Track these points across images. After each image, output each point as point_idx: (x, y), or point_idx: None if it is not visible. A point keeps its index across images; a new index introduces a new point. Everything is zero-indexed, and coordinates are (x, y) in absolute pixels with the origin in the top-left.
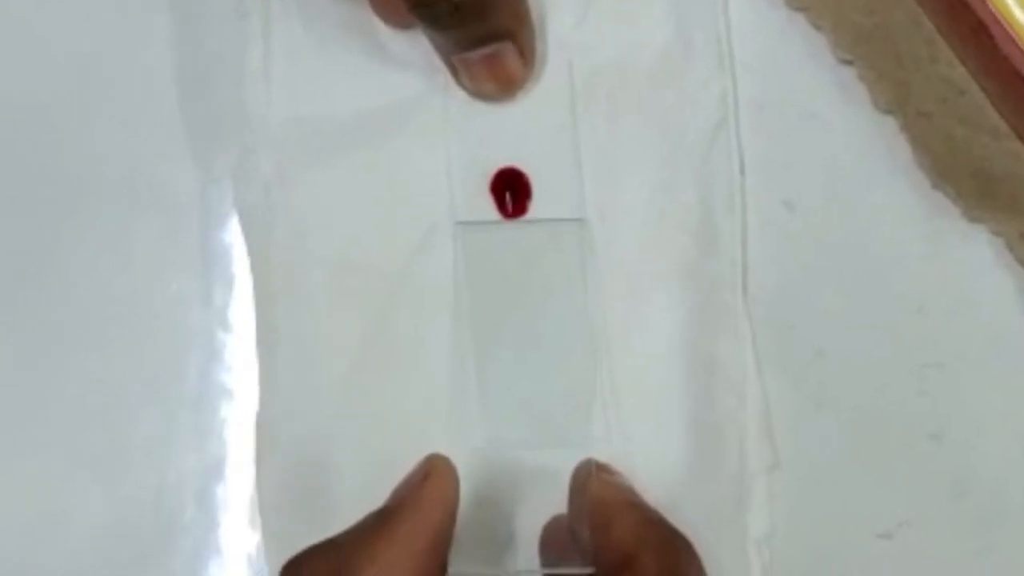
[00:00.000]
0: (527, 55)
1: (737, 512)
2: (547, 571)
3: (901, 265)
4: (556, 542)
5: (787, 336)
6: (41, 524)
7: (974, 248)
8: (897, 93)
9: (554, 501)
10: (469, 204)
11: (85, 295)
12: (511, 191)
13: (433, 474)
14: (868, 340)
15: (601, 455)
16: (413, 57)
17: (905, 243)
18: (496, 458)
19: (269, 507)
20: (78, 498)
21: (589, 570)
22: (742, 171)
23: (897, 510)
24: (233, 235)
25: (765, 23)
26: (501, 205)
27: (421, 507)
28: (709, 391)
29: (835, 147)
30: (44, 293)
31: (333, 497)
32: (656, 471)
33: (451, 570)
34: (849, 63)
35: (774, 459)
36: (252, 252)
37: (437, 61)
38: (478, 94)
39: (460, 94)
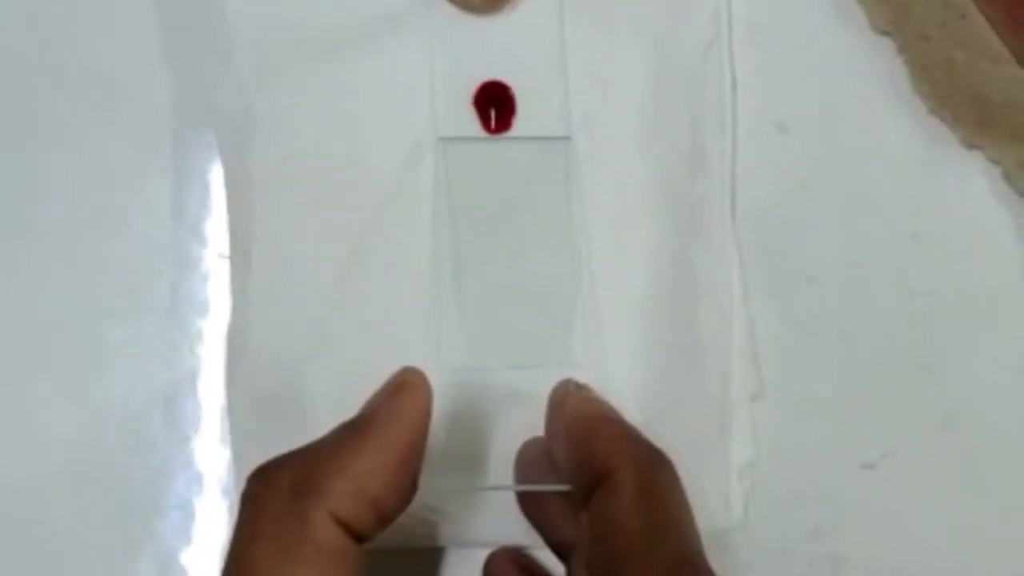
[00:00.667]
0: None
1: (720, 439)
2: (521, 487)
3: (895, 191)
4: (531, 463)
5: (776, 261)
6: (5, 433)
7: (970, 176)
8: (896, 15)
9: (531, 423)
10: (452, 117)
11: (54, 201)
12: (495, 106)
13: (406, 387)
14: (859, 267)
15: (581, 377)
16: None
17: (900, 169)
18: (473, 379)
19: (239, 420)
20: (44, 408)
21: (565, 487)
22: (734, 90)
23: (883, 441)
24: (208, 143)
25: None
26: (485, 120)
27: (393, 419)
28: (693, 315)
29: (830, 69)
30: (11, 199)
31: (304, 410)
32: (637, 395)
33: (422, 483)
34: None
35: (759, 386)
36: (226, 160)
37: None
38: (465, 5)
39: (445, 4)
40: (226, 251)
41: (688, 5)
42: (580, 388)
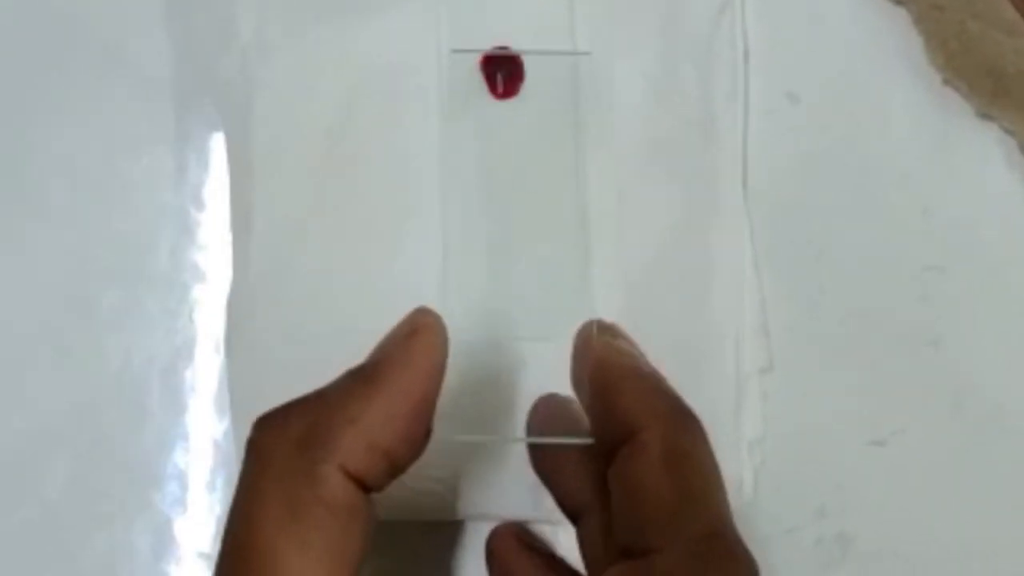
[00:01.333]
0: None
1: (731, 413)
2: (543, 440)
3: (907, 163)
4: (545, 419)
5: (786, 233)
6: (1, 400)
7: (984, 147)
8: None
9: (540, 388)
10: (459, 83)
11: (53, 165)
12: (503, 71)
13: (421, 330)
14: (870, 241)
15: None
16: None
17: (913, 140)
18: (480, 347)
19: (238, 387)
20: (40, 375)
21: (589, 440)
22: (746, 59)
23: (892, 417)
24: (209, 108)
25: None
26: (492, 85)
27: (407, 366)
28: (704, 287)
29: (843, 38)
30: (11, 163)
31: (307, 377)
32: None
33: (436, 435)
34: None
35: (768, 360)
36: (228, 125)
37: None
38: None
39: None
40: (227, 219)
41: None
42: (605, 331)
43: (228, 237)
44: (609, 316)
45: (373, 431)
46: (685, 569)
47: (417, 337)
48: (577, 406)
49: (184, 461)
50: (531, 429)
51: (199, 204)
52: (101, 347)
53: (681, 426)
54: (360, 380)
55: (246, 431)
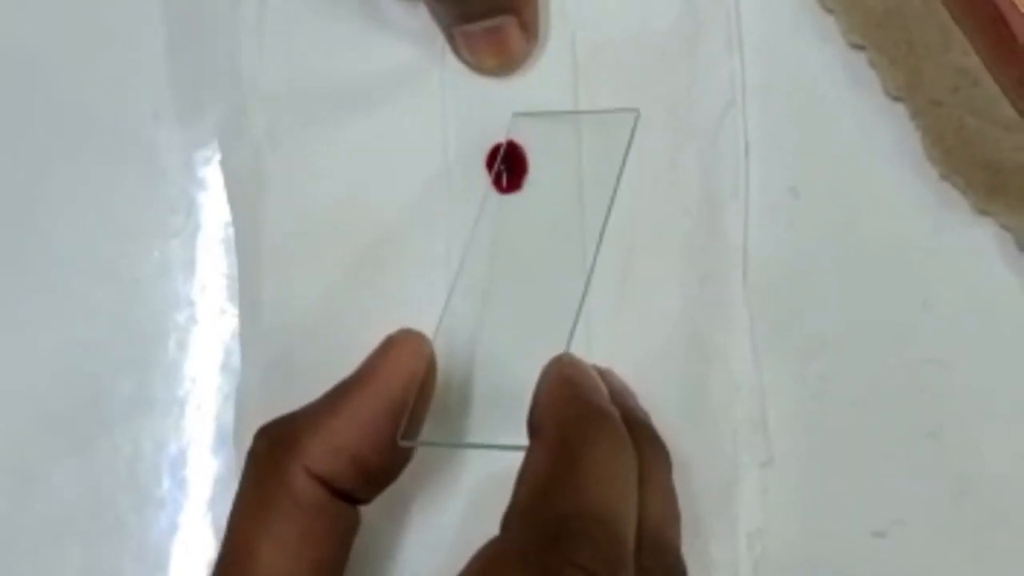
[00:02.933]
0: (529, 30)
1: (729, 505)
2: (486, 445)
3: (906, 257)
4: None
5: (787, 326)
6: (17, 488)
7: (981, 242)
8: (908, 80)
9: None
10: (464, 176)
11: (66, 255)
12: (507, 166)
13: (393, 346)
14: (869, 333)
15: None
16: (411, 25)
17: (911, 235)
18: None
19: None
20: (54, 462)
21: (525, 443)
22: (747, 155)
23: (892, 508)
24: (219, 197)
25: (775, 4)
26: (497, 180)
27: (373, 375)
28: (703, 379)
29: (843, 134)
30: (24, 252)
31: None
32: None
33: (400, 441)
34: (860, 48)
35: (768, 453)
36: (238, 215)
37: (435, 29)
38: (478, 68)
39: (458, 64)
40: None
41: (703, 69)
42: (573, 359)
43: (237, 327)
44: None
45: (336, 436)
46: (532, 544)
47: (387, 350)
48: None
49: (194, 548)
50: None
51: (208, 295)
52: (113, 435)
53: (583, 421)
54: (336, 391)
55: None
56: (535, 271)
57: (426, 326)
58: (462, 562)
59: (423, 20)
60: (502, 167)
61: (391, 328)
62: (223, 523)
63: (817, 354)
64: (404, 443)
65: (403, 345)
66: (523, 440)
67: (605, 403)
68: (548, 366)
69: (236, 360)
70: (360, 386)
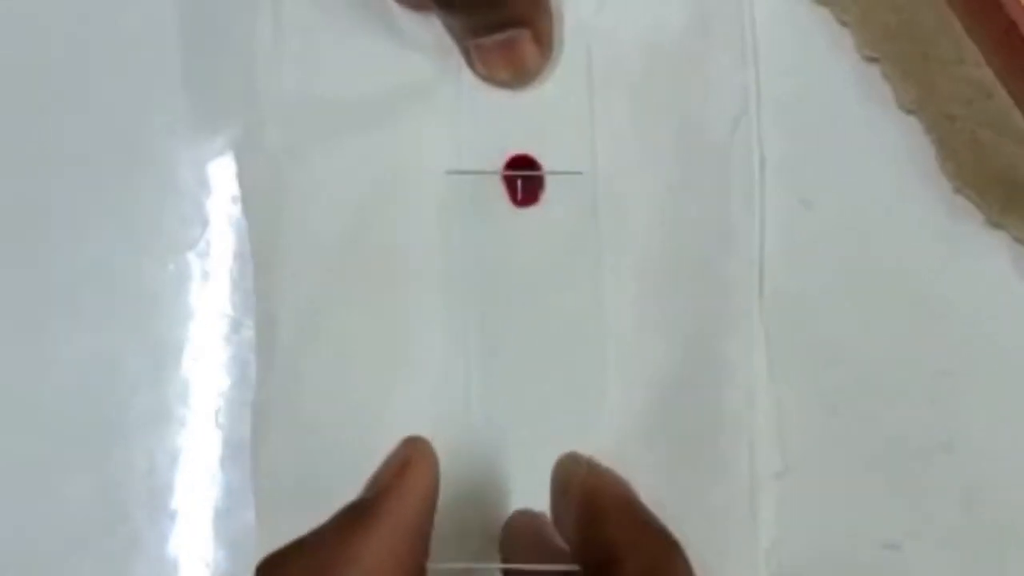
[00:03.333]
0: (544, 43)
1: (745, 518)
2: (532, 567)
3: (919, 270)
4: (518, 536)
5: (801, 339)
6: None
7: (994, 255)
8: (922, 93)
9: (541, 494)
10: (480, 190)
11: (82, 268)
12: (523, 179)
13: (413, 462)
14: (883, 346)
15: (607, 454)
16: (426, 39)
17: (924, 248)
18: (487, 447)
19: (263, 486)
20: (70, 476)
21: (575, 567)
22: (761, 167)
23: (905, 520)
24: (235, 211)
25: (789, 17)
26: (512, 193)
27: (402, 497)
28: (718, 392)
29: (857, 146)
30: (40, 265)
31: (328, 478)
32: (662, 472)
33: (430, 565)
34: (874, 61)
35: (783, 465)
36: (254, 230)
37: (450, 43)
38: (492, 81)
39: (473, 78)
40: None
41: (717, 82)
42: (588, 462)
43: (253, 340)
44: (625, 420)
45: (375, 568)
46: None
47: (410, 468)
48: (550, 525)
49: (210, 560)
50: (504, 547)
51: (224, 308)
52: (128, 448)
53: (663, 557)
54: (357, 516)
55: (270, 527)
56: (551, 290)
57: (440, 342)
58: None
59: (438, 34)
60: (518, 179)
61: (405, 341)
62: (238, 536)
63: (831, 366)
64: (446, 565)
65: (421, 461)
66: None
67: (661, 523)
68: (568, 470)
69: (252, 373)
70: (389, 509)
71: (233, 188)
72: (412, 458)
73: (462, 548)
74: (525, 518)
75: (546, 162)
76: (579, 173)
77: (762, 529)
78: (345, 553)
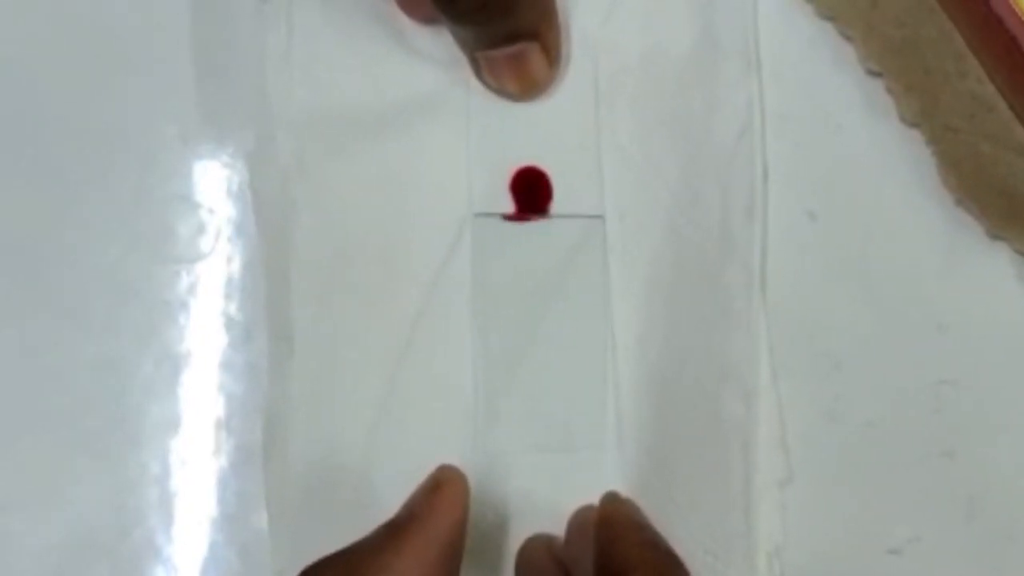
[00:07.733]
0: (552, 56)
1: (748, 524)
2: None
3: (921, 280)
4: (531, 562)
5: (804, 347)
6: (43, 508)
7: (995, 266)
8: (924, 107)
9: (560, 512)
10: (489, 201)
11: (95, 277)
12: (532, 190)
13: (444, 485)
14: (885, 355)
15: (611, 461)
16: (436, 51)
17: (926, 258)
18: (506, 465)
19: (275, 495)
20: (82, 484)
21: None
22: (765, 178)
23: (908, 526)
24: (247, 221)
25: (793, 31)
26: (520, 204)
27: (433, 518)
28: (720, 402)
29: (860, 159)
30: (53, 275)
31: (339, 487)
32: (666, 478)
33: None
34: (877, 75)
35: (787, 472)
36: (267, 243)
37: (460, 55)
38: (501, 93)
39: (482, 89)
40: (265, 331)
41: (721, 94)
42: (607, 493)
43: (265, 348)
44: (629, 428)
45: (405, 574)
46: None
47: (441, 491)
48: (560, 547)
49: (223, 564)
50: (519, 572)
51: (236, 316)
52: (141, 455)
53: (668, 573)
54: (391, 532)
55: (281, 532)
56: (557, 301)
57: (453, 346)
58: None
59: (448, 46)
60: (526, 191)
61: (417, 353)
62: (250, 541)
63: (834, 375)
64: None
65: (452, 485)
66: None
67: (668, 544)
68: (583, 519)
69: (264, 381)
70: (421, 526)
71: (244, 198)
72: (444, 481)
73: (490, 567)
74: (537, 541)
75: (554, 172)
76: (599, 216)
77: (765, 534)
78: (377, 562)
